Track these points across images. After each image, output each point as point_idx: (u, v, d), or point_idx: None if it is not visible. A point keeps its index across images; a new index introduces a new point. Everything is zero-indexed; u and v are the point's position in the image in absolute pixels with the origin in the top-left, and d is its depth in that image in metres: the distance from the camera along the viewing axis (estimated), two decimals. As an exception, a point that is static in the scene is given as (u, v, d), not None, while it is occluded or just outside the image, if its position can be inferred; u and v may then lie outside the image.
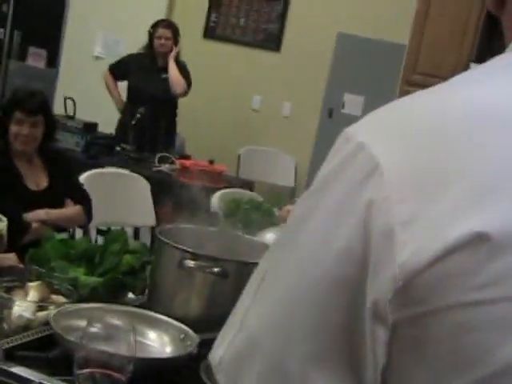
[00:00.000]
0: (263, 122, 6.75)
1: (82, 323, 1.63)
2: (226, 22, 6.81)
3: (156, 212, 4.21)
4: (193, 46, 6.63)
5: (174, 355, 1.51)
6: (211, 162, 5.11)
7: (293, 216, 0.67)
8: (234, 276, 1.67)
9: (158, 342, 1.58)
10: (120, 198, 4.11)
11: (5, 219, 2.69)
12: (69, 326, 1.58)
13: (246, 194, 4.34)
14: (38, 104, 3.24)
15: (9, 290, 1.70)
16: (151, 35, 5.59)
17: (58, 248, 1.85)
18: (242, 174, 6.09)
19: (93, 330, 1.63)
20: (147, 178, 4.36)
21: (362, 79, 6.42)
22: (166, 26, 5.59)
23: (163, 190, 4.46)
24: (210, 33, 6.84)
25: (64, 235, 2.05)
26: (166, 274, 1.74)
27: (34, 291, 1.69)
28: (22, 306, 1.64)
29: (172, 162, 5.15)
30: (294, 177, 6.56)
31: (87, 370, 1.20)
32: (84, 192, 3.45)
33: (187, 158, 5.41)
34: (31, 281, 1.73)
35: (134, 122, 5.35)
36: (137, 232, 4.25)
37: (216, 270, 1.64)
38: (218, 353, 0.69)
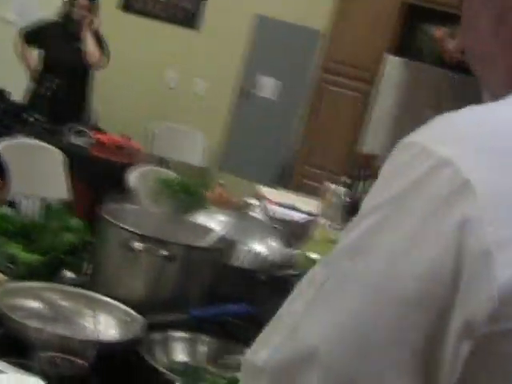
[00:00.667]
0: (177, 99, 6.70)
1: (27, 302, 1.60)
2: (145, -4, 6.72)
3: (73, 187, 4.13)
4: (111, 17, 6.50)
5: (128, 338, 1.49)
6: (127, 138, 5.05)
7: (361, 226, 0.66)
8: (181, 260, 1.66)
9: (104, 325, 1.55)
10: (32, 169, 4.01)
11: None
12: (13, 304, 1.53)
13: (164, 172, 4.31)
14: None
15: None
16: (70, 3, 5.45)
17: (-5, 223, 1.79)
18: (154, 151, 6.04)
19: (40, 310, 1.60)
20: (61, 151, 4.26)
21: (279, 63, 6.45)
22: None
23: (78, 164, 4.37)
24: (129, 6, 6.73)
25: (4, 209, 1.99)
26: (111, 254, 1.71)
27: (-29, 267, 1.63)
28: (-41, 283, 1.58)
29: (87, 136, 5.05)
30: (206, 157, 6.55)
31: (48, 354, 1.17)
32: (1, 163, 3.35)
33: (102, 132, 5.31)
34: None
35: (48, 93, 5.22)
36: (48, 206, 4.16)
37: (164, 253, 1.63)
38: (261, 356, 0.68)
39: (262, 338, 0.71)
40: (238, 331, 1.80)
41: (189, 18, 6.65)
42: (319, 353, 0.63)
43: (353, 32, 5.68)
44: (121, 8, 6.78)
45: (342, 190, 3.04)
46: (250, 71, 6.54)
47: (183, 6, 6.66)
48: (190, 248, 1.73)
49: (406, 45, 5.70)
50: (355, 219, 0.68)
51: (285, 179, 6.00)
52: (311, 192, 4.66)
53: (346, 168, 4.95)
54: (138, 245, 1.63)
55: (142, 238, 1.64)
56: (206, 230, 1.88)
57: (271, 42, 6.47)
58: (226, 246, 1.84)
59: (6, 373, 1.34)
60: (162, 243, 1.65)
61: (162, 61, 6.66)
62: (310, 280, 0.69)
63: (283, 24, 6.35)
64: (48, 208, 1.87)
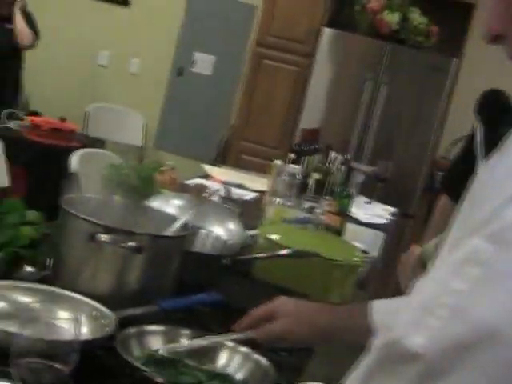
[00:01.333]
0: (111, 78, 6.56)
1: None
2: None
3: (10, 171, 4.00)
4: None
5: (104, 335, 1.43)
6: (63, 120, 4.92)
7: None
8: (148, 250, 1.61)
9: (70, 322, 1.48)
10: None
11: None
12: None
13: (104, 154, 4.22)
14: None
15: None
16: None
17: None
18: (90, 132, 5.91)
19: (4, 309, 1.53)
20: (-4, 136, 4.13)
21: (214, 39, 6.37)
22: None
23: (13, 149, 4.24)
24: (55, -18, 6.53)
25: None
26: (74, 247, 1.64)
27: None
28: None
29: (20, 119, 4.91)
30: (143, 136, 6.45)
31: (26, 361, 1.11)
32: None
33: (36, 114, 5.17)
34: None
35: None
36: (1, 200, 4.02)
37: (131, 244, 1.57)
38: (416, 341, 0.66)
39: (408, 320, 0.69)
40: (208, 320, 1.76)
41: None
42: (501, 332, 0.62)
43: (288, 5, 5.63)
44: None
45: (293, 167, 3.01)
46: (184, 48, 6.44)
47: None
48: (157, 238, 1.68)
49: (341, 17, 5.68)
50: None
51: (223, 155, 5.96)
52: (249, 167, 4.64)
53: (289, 143, 4.93)
54: (102, 237, 1.56)
55: (107, 229, 1.58)
56: (169, 218, 1.83)
57: (205, 18, 6.37)
58: (189, 233, 1.79)
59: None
60: (128, 234, 1.59)
61: (94, 39, 6.50)
62: (470, 257, 0.67)
63: (216, -1, 6.28)
64: (1, 202, 1.78)
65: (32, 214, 1.78)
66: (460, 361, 0.63)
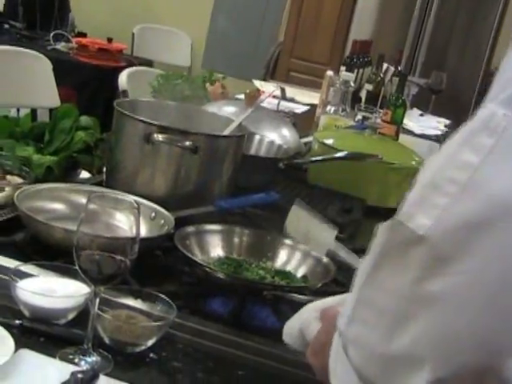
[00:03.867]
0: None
1: (48, 204, 1.53)
2: None
3: (59, 93, 3.99)
4: None
5: (163, 233, 1.43)
6: (109, 40, 4.88)
7: None
8: (204, 151, 1.58)
9: (128, 223, 1.47)
10: (18, 77, 3.86)
11: None
12: (35, 207, 1.46)
13: (154, 72, 4.17)
14: None
15: (-45, 171, 1.55)
16: None
17: (2, 125, 1.70)
18: (137, 53, 5.86)
19: (63, 211, 1.53)
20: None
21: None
22: None
23: (62, 70, 4.22)
24: None
25: (5, 111, 1.89)
26: (129, 150, 1.62)
27: (-15, 172, 1.55)
28: (-25, 189, 1.50)
29: (68, 41, 4.88)
30: (190, 56, 6.39)
31: (87, 252, 1.10)
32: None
33: (83, 35, 5.14)
34: (-20, 161, 1.58)
35: (23, -2, 5.02)
36: (34, 114, 4.02)
37: (187, 143, 1.55)
38: (421, 222, 0.59)
39: (414, 199, 0.62)
40: (264, 221, 1.75)
41: None
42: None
43: None
44: None
45: (347, 74, 2.94)
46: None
47: None
48: (212, 137, 1.65)
49: None
50: None
51: (272, 74, 5.88)
52: (299, 85, 4.56)
53: (339, 60, 4.84)
54: (158, 136, 1.54)
55: (163, 129, 1.56)
56: (224, 120, 1.80)
57: None
58: (244, 134, 1.76)
59: (37, 276, 1.28)
60: (183, 134, 1.57)
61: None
62: (483, 126, 0.61)
63: None
64: (57, 109, 1.77)
65: (86, 120, 1.76)
66: (470, 242, 0.57)
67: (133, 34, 6.08)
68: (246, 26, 6.35)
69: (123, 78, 3.87)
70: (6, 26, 4.96)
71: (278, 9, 6.23)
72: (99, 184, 1.68)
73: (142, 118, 1.57)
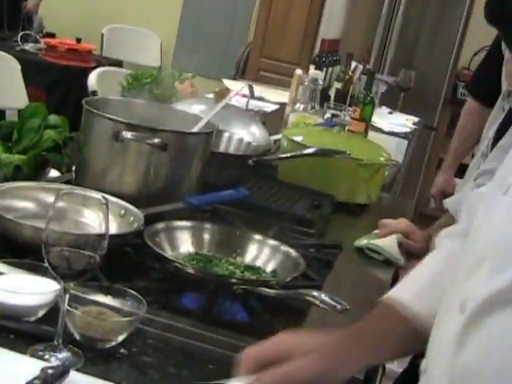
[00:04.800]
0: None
1: (18, 203, 1.52)
2: None
3: (28, 94, 3.97)
4: None
5: (133, 230, 1.43)
6: (78, 41, 4.87)
7: None
8: (172, 147, 1.59)
9: (97, 220, 1.47)
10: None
11: None
12: (4, 206, 1.46)
13: (124, 73, 4.16)
14: None
15: None
16: None
17: (-30, 125, 1.69)
18: (106, 53, 5.84)
19: (33, 209, 1.53)
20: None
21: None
22: None
23: (31, 70, 4.21)
24: None
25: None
26: (98, 148, 1.62)
27: (-47, 172, 1.54)
28: None
29: (36, 41, 4.86)
30: (160, 56, 6.37)
31: (59, 249, 1.11)
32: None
33: (52, 36, 5.11)
34: None
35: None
36: (2, 114, 4.00)
37: (156, 140, 1.55)
38: None
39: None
40: (233, 217, 1.76)
41: None
42: None
43: None
44: None
45: (315, 72, 2.96)
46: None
47: None
48: (181, 134, 1.66)
49: None
50: None
51: (242, 73, 5.89)
52: (270, 83, 4.58)
53: (309, 59, 4.86)
54: (127, 134, 1.55)
55: (131, 126, 1.56)
56: (193, 118, 1.81)
57: None
58: (213, 130, 1.77)
59: (6, 274, 1.28)
60: (151, 131, 1.58)
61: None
62: None
63: None
64: (25, 108, 1.76)
65: (55, 118, 1.76)
66: None
67: (102, 35, 6.06)
68: (215, 26, 6.36)
69: (93, 79, 3.86)
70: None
71: (248, 9, 6.24)
72: (68, 182, 1.68)
73: (110, 116, 1.57)
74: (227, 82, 3.98)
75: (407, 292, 1.13)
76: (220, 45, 6.36)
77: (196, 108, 2.11)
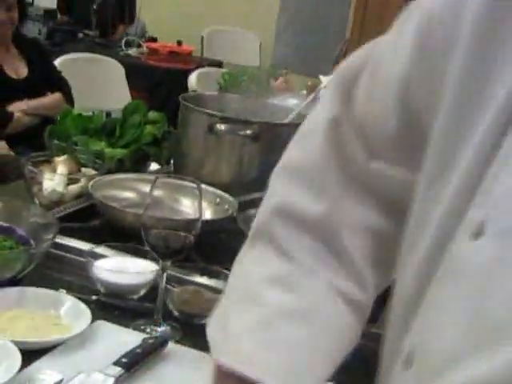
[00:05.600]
0: (224, 1, 6.60)
1: (120, 193, 1.63)
2: None
3: (131, 96, 4.14)
4: None
5: (226, 215, 1.52)
6: (179, 43, 5.02)
7: None
8: (265, 138, 1.66)
9: (191, 206, 1.56)
10: (94, 82, 4.03)
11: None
12: (108, 195, 1.57)
13: (222, 71, 4.28)
14: (9, -14, 3.11)
15: (35, 165, 1.67)
16: None
17: (76, 122, 1.81)
18: (206, 55, 5.99)
19: (134, 198, 1.64)
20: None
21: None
22: None
23: (134, 74, 4.38)
24: None
25: (80, 110, 2.01)
26: (194, 140, 1.72)
27: (61, 165, 1.66)
28: (53, 180, 1.61)
29: (138, 46, 5.04)
30: (259, 56, 6.48)
31: (156, 231, 1.20)
32: (62, 78, 3.37)
33: (153, 40, 5.29)
34: (57, 156, 1.70)
35: (95, 7, 5.19)
36: (109, 116, 4.17)
37: (248, 132, 1.63)
38: None
39: None
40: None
41: None
42: None
43: None
44: None
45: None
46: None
47: None
48: (273, 125, 1.73)
49: None
50: None
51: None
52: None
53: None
54: (221, 126, 1.63)
55: (225, 119, 1.65)
56: (285, 109, 1.88)
57: None
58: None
59: (111, 257, 1.39)
60: (244, 123, 1.66)
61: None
62: None
63: None
64: (127, 106, 1.88)
65: (154, 115, 1.87)
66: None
67: (202, 37, 6.21)
68: (312, 24, 6.42)
69: (193, 79, 4.00)
70: (80, 34, 5.14)
71: (344, 6, 6.27)
72: (166, 174, 1.78)
73: (205, 110, 1.66)
74: (324, 79, 4.03)
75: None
76: (318, 42, 6.41)
77: (289, 102, 2.19)
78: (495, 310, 0.55)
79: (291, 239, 0.78)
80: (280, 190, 0.82)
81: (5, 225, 1.38)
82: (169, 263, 1.21)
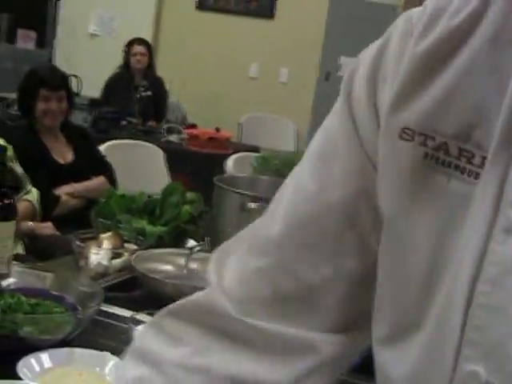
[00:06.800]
0: (261, 89, 6.86)
1: (160, 266, 1.78)
2: (218, -7, 6.90)
3: (173, 180, 4.33)
4: (187, 18, 6.73)
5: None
6: (217, 130, 5.24)
7: None
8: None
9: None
10: (137, 167, 4.23)
11: (35, 191, 2.83)
12: (148, 268, 1.72)
13: (257, 156, 4.47)
14: (60, 79, 3.35)
15: (82, 241, 1.83)
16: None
17: (120, 203, 1.99)
18: (244, 141, 6.22)
19: (172, 271, 1.79)
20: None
21: (357, 41, 6.46)
22: None
23: (175, 159, 4.58)
24: (203, 4, 6.93)
25: (124, 191, 2.18)
26: (228, 218, 1.87)
27: (107, 241, 1.82)
28: (99, 254, 1.77)
29: (179, 132, 5.27)
30: (295, 141, 6.69)
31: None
32: (106, 162, 3.57)
33: (193, 126, 5.53)
34: (103, 233, 1.86)
35: (138, 96, 5.47)
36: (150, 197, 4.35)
37: (277, 210, 1.78)
38: None
39: None
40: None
41: (262, 8, 6.80)
42: None
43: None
44: (195, 7, 6.93)
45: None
46: (330, 53, 6.65)
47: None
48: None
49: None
50: None
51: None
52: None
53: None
54: (252, 205, 1.79)
55: (255, 198, 1.80)
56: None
57: (347, 21, 6.55)
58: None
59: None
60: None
61: (242, 53, 6.82)
62: None
63: (358, 1, 6.45)
64: (166, 187, 2.04)
65: (191, 195, 2.03)
66: None
67: (239, 124, 6.45)
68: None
69: (230, 163, 4.18)
70: (124, 122, 5.40)
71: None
72: (204, 250, 1.93)
73: (236, 190, 1.82)
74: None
75: None
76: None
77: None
78: None
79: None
80: None
81: (56, 293, 1.54)
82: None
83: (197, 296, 0.80)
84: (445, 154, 0.63)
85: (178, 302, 0.81)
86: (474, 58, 0.62)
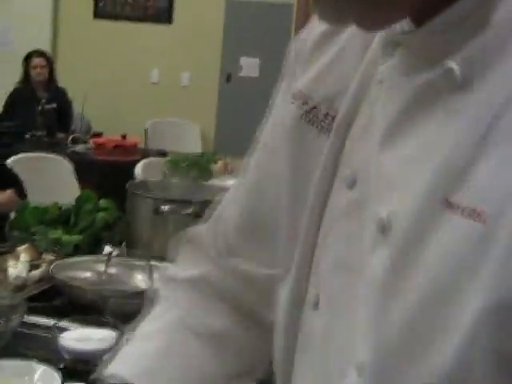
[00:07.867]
0: (164, 93, 6.89)
1: (79, 273, 1.81)
2: (115, 1, 6.88)
3: (82, 190, 4.31)
4: (85, 27, 6.70)
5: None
6: (123, 137, 5.24)
7: None
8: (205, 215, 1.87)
9: (143, 280, 1.74)
10: (45, 179, 4.21)
11: None
12: (68, 276, 1.75)
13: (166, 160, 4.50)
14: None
15: (-2, 256, 1.85)
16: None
17: (34, 214, 2.00)
18: (150, 146, 6.23)
19: (92, 277, 1.82)
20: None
21: (256, 42, 6.63)
22: None
23: (83, 169, 4.57)
24: (100, 12, 6.90)
25: (36, 203, 2.19)
26: (143, 222, 1.92)
27: (24, 253, 1.84)
28: (17, 267, 1.79)
29: (85, 142, 5.25)
30: (201, 143, 6.75)
31: (117, 301, 1.38)
32: (14, 175, 3.55)
33: (99, 135, 5.51)
34: (19, 245, 1.88)
35: (40, 108, 5.42)
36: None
37: (190, 211, 1.84)
38: None
39: None
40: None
41: (160, 14, 6.82)
42: None
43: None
44: (92, 16, 6.90)
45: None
46: (230, 55, 6.72)
47: (152, 4, 6.82)
48: (210, 203, 1.94)
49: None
50: None
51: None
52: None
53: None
54: (165, 207, 1.84)
55: (167, 201, 1.86)
56: (222, 189, 2.09)
57: (245, 23, 6.64)
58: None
59: (71, 329, 1.56)
60: (185, 203, 1.86)
61: (142, 59, 6.82)
62: None
63: (253, 3, 6.54)
64: (79, 195, 2.07)
65: (104, 202, 2.07)
66: None
67: (145, 129, 6.46)
68: (250, 110, 6.71)
69: (139, 169, 4.20)
70: (27, 136, 5.35)
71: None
72: (120, 254, 1.97)
73: (149, 195, 1.87)
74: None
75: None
76: (256, 128, 6.69)
77: (228, 182, 2.41)
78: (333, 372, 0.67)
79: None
80: None
81: (-23, 308, 1.55)
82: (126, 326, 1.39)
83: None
84: (314, 116, 0.73)
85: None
86: (351, 34, 0.72)
